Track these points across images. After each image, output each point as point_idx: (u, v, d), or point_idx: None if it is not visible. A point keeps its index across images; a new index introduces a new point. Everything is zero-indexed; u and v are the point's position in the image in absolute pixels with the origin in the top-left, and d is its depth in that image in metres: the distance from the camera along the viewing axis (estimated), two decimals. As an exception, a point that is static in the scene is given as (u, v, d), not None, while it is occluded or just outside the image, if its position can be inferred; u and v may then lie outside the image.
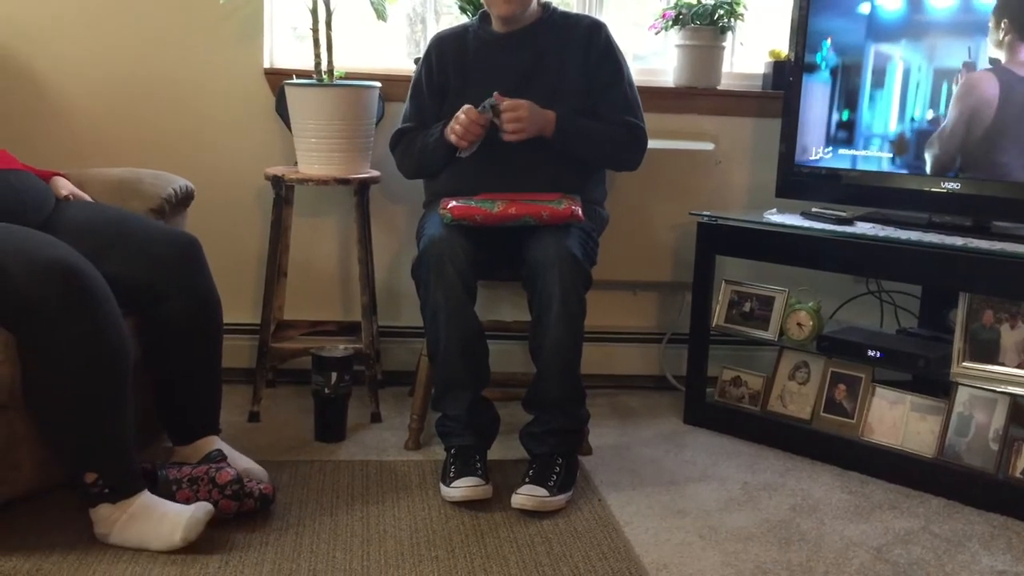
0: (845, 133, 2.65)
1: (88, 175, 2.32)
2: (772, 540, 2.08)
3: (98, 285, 1.78)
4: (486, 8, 2.48)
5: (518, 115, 2.31)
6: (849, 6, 2.62)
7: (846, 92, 2.64)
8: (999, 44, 2.39)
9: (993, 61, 2.40)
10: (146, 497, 1.85)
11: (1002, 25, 2.39)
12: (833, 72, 2.65)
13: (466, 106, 2.33)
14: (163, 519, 1.83)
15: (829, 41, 2.64)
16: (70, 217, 2.06)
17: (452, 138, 2.35)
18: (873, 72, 2.58)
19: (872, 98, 2.59)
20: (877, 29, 2.57)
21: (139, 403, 1.92)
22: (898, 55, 2.54)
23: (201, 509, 1.85)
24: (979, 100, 2.42)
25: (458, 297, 2.19)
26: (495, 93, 2.33)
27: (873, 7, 2.57)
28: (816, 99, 2.68)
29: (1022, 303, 2.28)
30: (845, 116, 2.63)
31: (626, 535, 2.07)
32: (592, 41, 2.47)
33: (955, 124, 2.47)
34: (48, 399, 1.79)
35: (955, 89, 2.46)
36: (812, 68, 2.68)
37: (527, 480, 2.19)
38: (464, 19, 2.83)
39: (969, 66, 2.45)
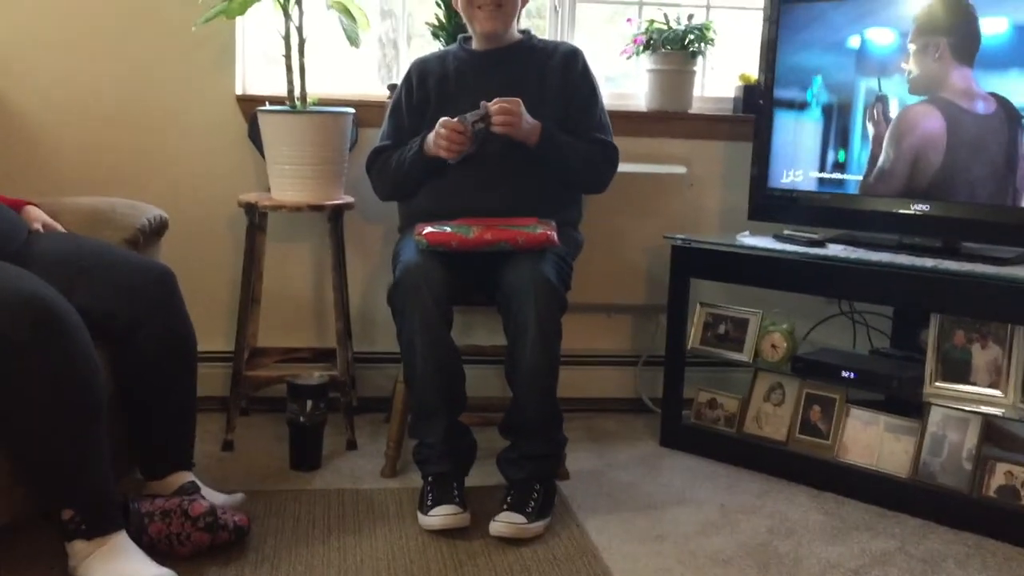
0: (838, 172, 2.66)
1: (61, 205, 2.29)
2: (751, 564, 2.08)
3: (69, 319, 1.76)
4: (467, 24, 2.52)
5: (509, 107, 2.31)
6: (838, 41, 2.63)
7: (840, 130, 2.64)
8: (926, 70, 2.44)
9: (921, 91, 2.45)
10: (121, 539, 1.81)
11: (933, 48, 2.42)
12: (826, 109, 2.66)
13: (441, 119, 2.35)
14: (130, 571, 1.79)
15: (824, 79, 2.66)
16: (42, 248, 2.03)
17: (442, 154, 2.35)
18: (860, 107, 2.60)
19: (863, 133, 2.60)
20: (867, 64, 2.58)
21: (113, 437, 1.89)
22: (887, 87, 2.55)
23: None
24: (924, 138, 2.46)
25: (434, 323, 2.18)
26: (482, 102, 2.34)
27: (863, 41, 2.58)
28: (807, 136, 2.69)
29: (992, 323, 2.31)
30: (841, 157, 2.64)
31: (605, 561, 2.06)
32: (570, 66, 2.52)
33: (895, 163, 2.51)
34: (20, 436, 1.75)
35: (880, 125, 2.53)
36: (803, 105, 2.70)
37: (505, 507, 2.18)
38: (437, 43, 2.85)
39: (883, 99, 2.51)
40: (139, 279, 2.03)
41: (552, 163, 2.43)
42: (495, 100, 2.33)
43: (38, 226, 2.14)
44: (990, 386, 2.32)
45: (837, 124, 2.65)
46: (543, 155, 2.41)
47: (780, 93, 2.73)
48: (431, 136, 2.39)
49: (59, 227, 2.18)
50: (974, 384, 2.34)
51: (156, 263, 2.15)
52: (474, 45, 2.56)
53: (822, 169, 2.68)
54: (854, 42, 2.59)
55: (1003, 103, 2.33)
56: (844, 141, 2.64)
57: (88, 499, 1.79)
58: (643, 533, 2.21)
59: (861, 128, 2.60)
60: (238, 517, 2.02)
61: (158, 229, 2.34)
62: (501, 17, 2.46)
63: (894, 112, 2.53)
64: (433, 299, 2.18)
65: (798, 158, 2.72)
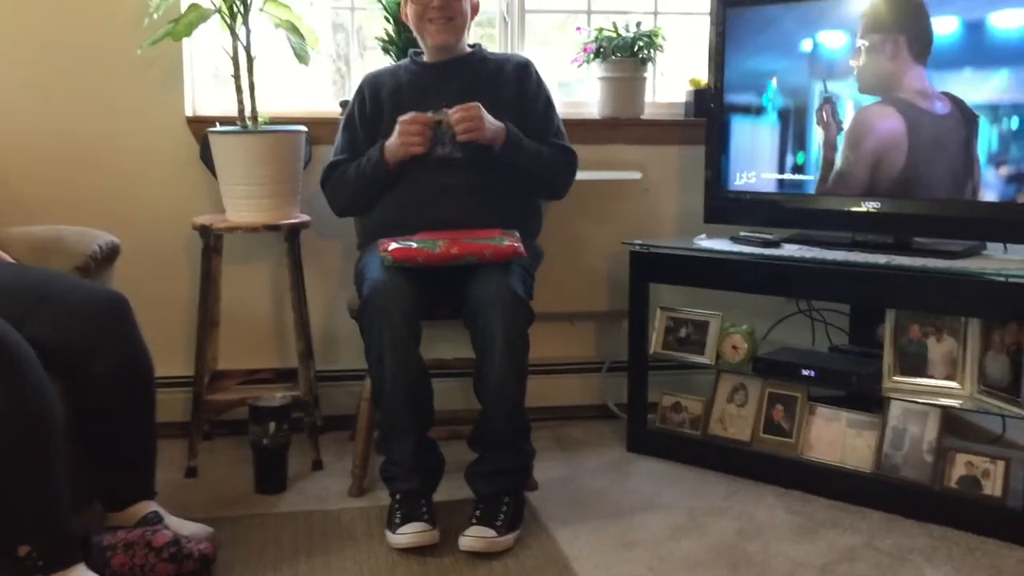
0: (791, 173, 2.68)
1: (8, 235, 2.24)
2: (721, 566, 2.09)
3: (20, 351, 1.72)
4: (418, 38, 2.54)
5: (470, 114, 2.33)
6: (786, 44, 2.64)
7: (791, 131, 2.66)
8: (879, 69, 2.45)
9: (873, 90, 2.47)
10: (81, 571, 1.78)
11: (889, 46, 2.44)
12: (775, 111, 2.68)
13: (402, 117, 2.36)
14: None
15: (775, 82, 2.67)
16: (-10, 280, 2.00)
17: (413, 150, 2.35)
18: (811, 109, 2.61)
19: (816, 135, 2.61)
20: (815, 65, 2.60)
21: (70, 469, 1.85)
22: (836, 88, 2.56)
23: None
24: (885, 140, 2.47)
25: (404, 341, 2.17)
26: (443, 105, 2.36)
27: (816, 45, 2.59)
28: (759, 138, 2.72)
29: (946, 316, 2.35)
30: (799, 159, 2.64)
31: (576, 571, 2.06)
32: (523, 77, 2.55)
33: (855, 167, 2.53)
34: (-28, 472, 1.72)
35: (830, 127, 2.55)
36: (753, 108, 2.72)
37: (474, 521, 2.17)
38: (388, 58, 2.85)
39: (831, 100, 2.53)
40: (91, 307, 1.99)
41: (515, 166, 2.43)
42: (454, 108, 2.34)
43: (-14, 257, 2.10)
44: (947, 378, 2.35)
45: (787, 125, 2.68)
46: (507, 158, 2.41)
47: (730, 96, 2.76)
48: (394, 139, 2.39)
49: (7, 258, 2.14)
50: (931, 377, 2.37)
51: (108, 290, 2.11)
52: (425, 58, 2.57)
53: (776, 171, 2.71)
54: (802, 45, 2.62)
55: (957, 103, 2.36)
56: (796, 142, 2.67)
57: (45, 534, 1.76)
58: (614, 541, 2.21)
59: (810, 129, 2.63)
60: (203, 545, 1.99)
61: (109, 255, 2.30)
62: (452, 29, 2.47)
63: (845, 113, 2.55)
64: (402, 316, 2.17)
65: (751, 160, 2.75)
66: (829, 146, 2.60)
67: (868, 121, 2.52)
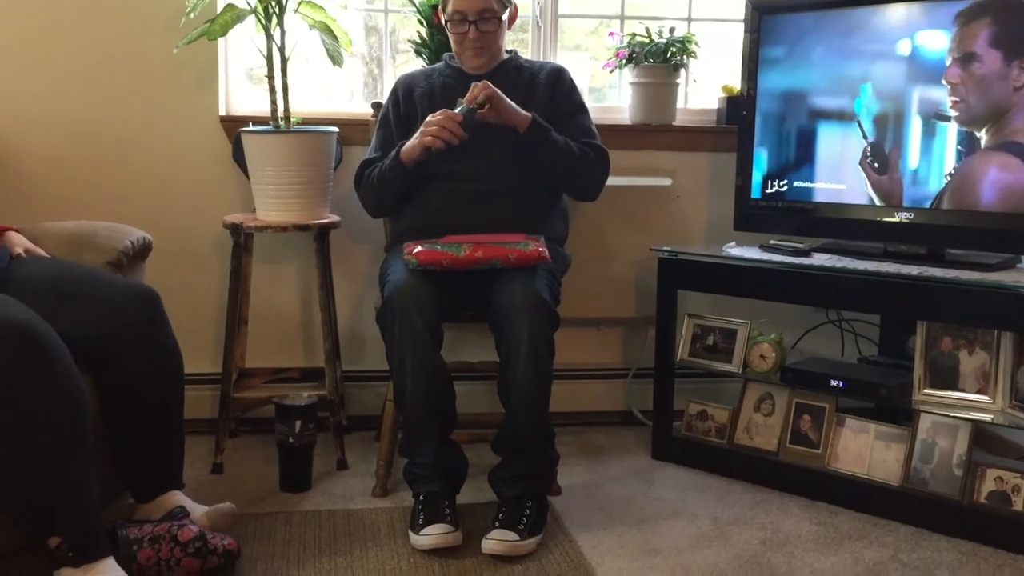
0: (822, 181, 2.66)
1: (42, 230, 2.28)
2: (744, 576, 2.08)
3: (53, 344, 1.74)
4: (456, 58, 2.56)
5: (488, 84, 2.34)
6: (820, 52, 2.61)
7: (824, 140, 2.63)
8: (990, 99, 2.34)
9: (977, 124, 2.36)
10: (110, 564, 1.79)
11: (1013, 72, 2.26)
12: (808, 119, 2.66)
13: (431, 115, 2.36)
14: None
15: (814, 90, 2.64)
16: (25, 274, 2.02)
17: (427, 141, 2.34)
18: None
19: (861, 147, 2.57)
20: (853, 75, 2.55)
21: (99, 462, 1.87)
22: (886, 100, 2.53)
23: None
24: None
25: (425, 344, 2.18)
26: (460, 99, 2.37)
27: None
28: (791, 146, 2.70)
29: (979, 330, 2.32)
30: (835, 169, 2.60)
31: (598, 577, 2.06)
32: (556, 84, 2.55)
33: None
34: (4, 463, 1.74)
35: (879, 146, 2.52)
36: (785, 116, 2.71)
37: (497, 524, 2.17)
38: (420, 61, 2.86)
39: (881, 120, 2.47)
40: (124, 303, 2.01)
41: (544, 156, 2.42)
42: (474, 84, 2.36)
43: (20, 251, 2.12)
44: (978, 392, 2.32)
45: (820, 134, 2.66)
46: (532, 140, 2.39)
47: (763, 104, 2.74)
48: (414, 139, 2.39)
49: (41, 252, 2.17)
50: (962, 390, 2.34)
51: (140, 285, 2.14)
52: (459, 64, 2.58)
53: (809, 180, 2.69)
54: (836, 53, 2.60)
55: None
56: (832, 152, 2.65)
57: (75, 526, 1.77)
58: (637, 548, 2.20)
59: (848, 139, 2.61)
60: (227, 541, 2.00)
61: (141, 251, 2.33)
62: (487, 55, 2.51)
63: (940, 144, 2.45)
64: (423, 319, 2.17)
65: (783, 168, 2.73)
66: (883, 161, 2.54)
67: (984, 174, 2.38)
